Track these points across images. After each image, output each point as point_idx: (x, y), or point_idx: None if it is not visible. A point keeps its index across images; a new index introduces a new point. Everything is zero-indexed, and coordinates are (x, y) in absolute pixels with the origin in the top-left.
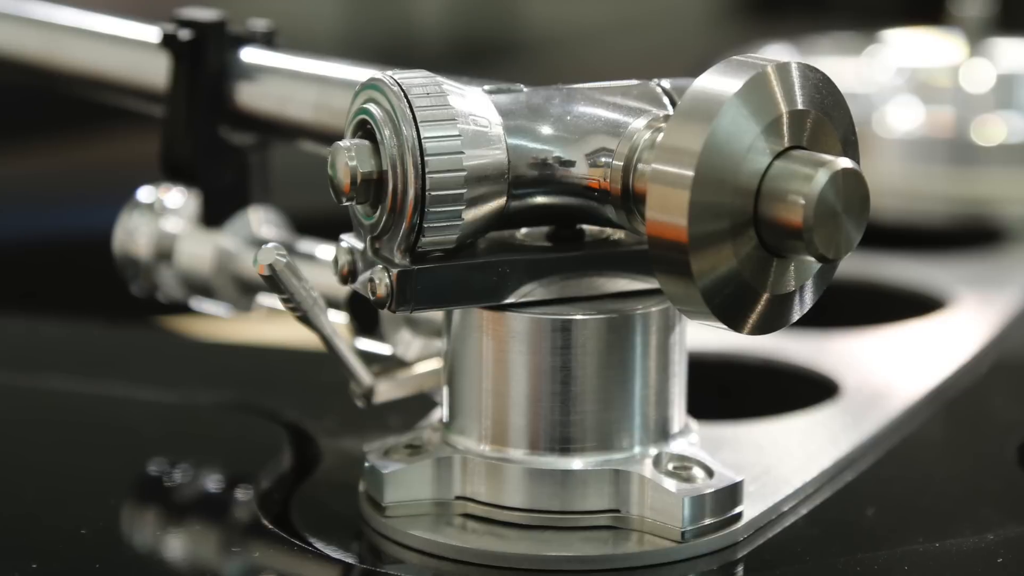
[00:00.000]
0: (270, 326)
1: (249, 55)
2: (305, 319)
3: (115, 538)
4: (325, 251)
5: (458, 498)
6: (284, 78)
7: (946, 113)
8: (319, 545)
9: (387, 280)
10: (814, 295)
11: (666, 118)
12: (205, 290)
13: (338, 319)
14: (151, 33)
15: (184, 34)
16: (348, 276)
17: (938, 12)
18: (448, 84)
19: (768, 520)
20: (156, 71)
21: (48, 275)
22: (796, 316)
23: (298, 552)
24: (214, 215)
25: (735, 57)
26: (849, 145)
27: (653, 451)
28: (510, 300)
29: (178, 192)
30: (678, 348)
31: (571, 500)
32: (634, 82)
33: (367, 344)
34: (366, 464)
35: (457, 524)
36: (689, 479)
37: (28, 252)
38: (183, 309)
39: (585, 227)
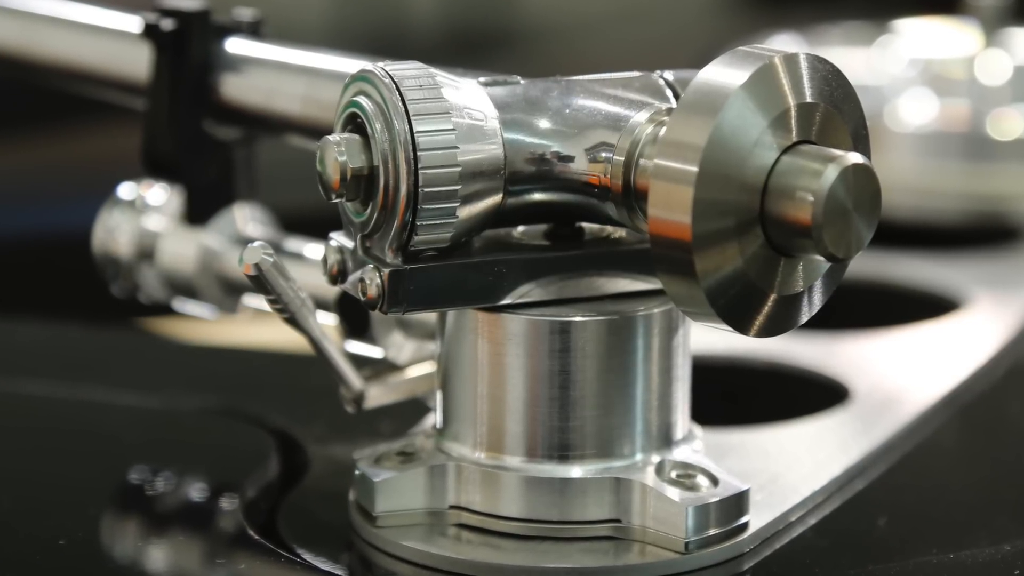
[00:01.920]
0: (256, 328)
1: (234, 46)
2: (293, 321)
3: (95, 549)
4: (313, 250)
5: (452, 507)
6: (271, 70)
7: (961, 106)
8: (307, 556)
9: (378, 280)
10: (823, 296)
11: (669, 111)
12: (188, 291)
13: (327, 321)
14: (132, 23)
15: (166, 24)
16: (338, 276)
17: (953, 1)
18: (442, 76)
19: (775, 530)
20: (137, 62)
21: (25, 275)
22: (804, 318)
23: (285, 563)
24: (198, 212)
25: (741, 48)
26: (860, 140)
27: (655, 458)
28: (507, 301)
29: (160, 189)
30: (681, 351)
31: (570, 509)
32: (636, 74)
33: (357, 347)
34: (356, 472)
35: (451, 535)
36: (693, 488)
37: (3, 251)
38: (166, 310)
39: (584, 225)
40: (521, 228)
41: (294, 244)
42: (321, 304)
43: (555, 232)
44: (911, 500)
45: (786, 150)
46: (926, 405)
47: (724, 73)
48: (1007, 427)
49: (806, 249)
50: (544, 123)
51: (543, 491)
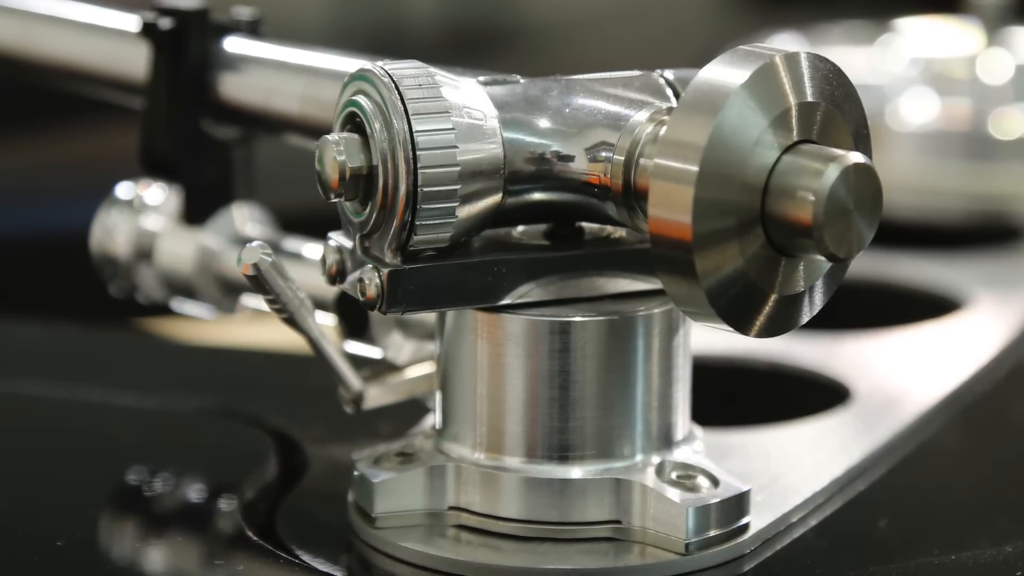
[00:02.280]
0: (255, 328)
1: (233, 45)
2: (291, 321)
3: (93, 550)
4: (312, 250)
5: (452, 508)
6: (269, 69)
7: (962, 106)
8: (306, 558)
9: (377, 280)
10: (824, 296)
11: (669, 110)
12: (187, 291)
13: (326, 321)
14: (130, 22)
15: (165, 23)
16: (336, 276)
17: (954, 0)
18: (441, 75)
19: (776, 531)
20: (135, 61)
21: (22, 275)
22: (805, 318)
23: (284, 565)
24: (196, 212)
25: (742, 47)
26: (861, 139)
27: (656, 459)
28: (506, 301)
29: (158, 188)
30: (682, 351)
31: (570, 510)
32: (636, 73)
33: (356, 347)
34: (355, 473)
35: (451, 536)
36: (693, 488)
37: (2, 251)
38: (164, 310)
39: (584, 225)
40: (521, 228)
41: (293, 244)
42: (320, 304)
43: (555, 232)
44: (912, 501)
45: (787, 149)
46: (927, 406)
47: (725, 72)
48: (1009, 428)
49: (807, 249)
50: (544, 122)
51: (543, 492)
